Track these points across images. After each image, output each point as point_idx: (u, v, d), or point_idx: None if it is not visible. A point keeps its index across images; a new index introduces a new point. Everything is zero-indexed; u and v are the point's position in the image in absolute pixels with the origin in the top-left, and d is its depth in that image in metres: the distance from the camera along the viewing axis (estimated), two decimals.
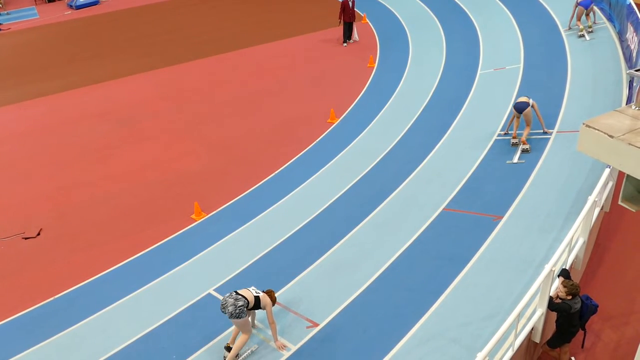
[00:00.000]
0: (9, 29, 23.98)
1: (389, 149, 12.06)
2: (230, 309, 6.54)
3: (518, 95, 13.26)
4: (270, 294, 7.00)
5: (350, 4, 17.61)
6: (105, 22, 23.69)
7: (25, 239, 10.34)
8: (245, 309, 6.61)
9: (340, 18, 17.84)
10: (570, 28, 16.32)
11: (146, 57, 19.22)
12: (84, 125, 14.74)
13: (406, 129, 12.81)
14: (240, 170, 11.97)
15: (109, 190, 11.72)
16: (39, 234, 10.43)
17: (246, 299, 6.70)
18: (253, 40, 19.52)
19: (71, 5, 26.22)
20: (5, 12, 26.34)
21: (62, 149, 13.58)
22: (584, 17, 15.88)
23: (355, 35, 18.20)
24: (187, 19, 22.93)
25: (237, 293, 6.74)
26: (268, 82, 16.31)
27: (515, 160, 10.75)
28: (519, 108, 10.82)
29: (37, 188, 12.02)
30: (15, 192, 11.95)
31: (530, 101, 10.91)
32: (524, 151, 10.94)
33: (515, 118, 11.04)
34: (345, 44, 18.13)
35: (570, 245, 7.28)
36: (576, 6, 15.77)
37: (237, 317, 6.57)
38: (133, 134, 14.02)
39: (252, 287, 7.01)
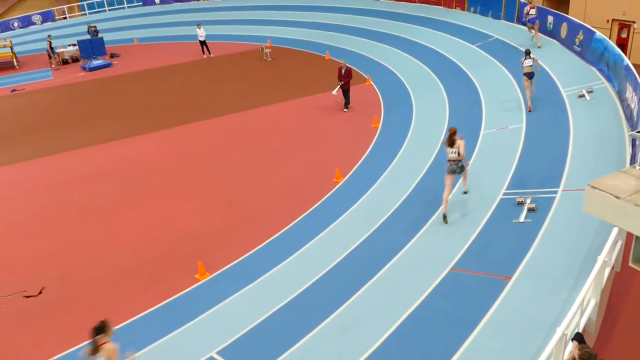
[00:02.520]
0: (24, 89, 24.64)
1: (394, 208, 12.03)
2: None
3: (522, 154, 13.35)
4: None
5: (343, 70, 17.78)
6: (116, 83, 24.33)
7: (27, 297, 10.22)
8: None
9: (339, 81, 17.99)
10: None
11: (153, 117, 19.60)
12: (90, 183, 14.85)
13: (411, 188, 12.83)
14: (245, 229, 11.93)
15: (112, 248, 11.66)
16: (40, 293, 10.31)
17: None
18: (257, 102, 19.91)
19: (85, 68, 27.04)
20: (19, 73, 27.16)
21: (68, 207, 13.62)
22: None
23: (334, 92, 18.17)
24: (195, 81, 23.53)
25: None
26: (273, 141, 16.52)
27: (522, 219, 10.69)
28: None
29: (41, 246, 11.98)
30: (19, 250, 11.90)
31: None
32: (530, 210, 10.89)
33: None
34: (345, 110, 18.25)
35: (582, 307, 7.11)
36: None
37: None
38: (139, 193, 14.09)
39: None
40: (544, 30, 21.47)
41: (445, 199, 11.00)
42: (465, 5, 26.74)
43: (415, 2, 28.80)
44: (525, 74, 15.47)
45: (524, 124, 15.07)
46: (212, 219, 12.47)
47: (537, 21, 20.68)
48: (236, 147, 16.43)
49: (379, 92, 19.81)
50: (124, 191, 14.23)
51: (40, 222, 13.09)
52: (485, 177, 12.68)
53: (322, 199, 12.82)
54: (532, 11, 20.69)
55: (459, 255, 9.87)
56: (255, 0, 35.41)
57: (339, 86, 17.87)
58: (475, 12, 26.09)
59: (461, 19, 24.39)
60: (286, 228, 11.71)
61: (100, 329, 6.56)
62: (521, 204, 11.13)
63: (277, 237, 11.42)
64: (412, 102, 18.31)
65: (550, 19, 21.15)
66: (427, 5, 28.45)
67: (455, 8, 26.61)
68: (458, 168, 10.85)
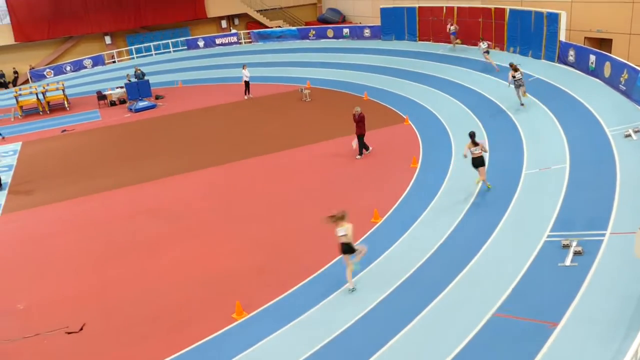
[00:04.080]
0: (74, 129, 25.72)
1: (433, 250, 11.82)
2: None
3: (567, 195, 12.99)
4: None
5: (357, 116, 17.57)
6: (161, 124, 25.13)
7: (68, 333, 10.38)
8: None
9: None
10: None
11: (195, 157, 20.07)
12: (134, 220, 15.20)
13: (451, 229, 12.61)
14: (284, 268, 11.91)
15: (153, 286, 11.81)
16: (81, 329, 10.47)
17: None
18: (296, 141, 20.16)
19: (131, 109, 28.10)
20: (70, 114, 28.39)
21: (112, 244, 13.94)
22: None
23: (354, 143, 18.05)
24: (236, 121, 24.07)
25: None
26: (312, 181, 16.63)
27: (568, 262, 10.30)
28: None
29: (85, 281, 12.26)
30: (63, 285, 12.19)
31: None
32: (576, 253, 10.51)
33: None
34: (359, 157, 18.05)
35: (636, 358, 6.72)
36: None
37: None
38: (180, 231, 14.31)
39: None
40: (585, 69, 21.19)
41: None
42: (505, 45, 26.70)
43: (453, 43, 28.95)
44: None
45: (567, 164, 14.71)
46: (251, 258, 12.52)
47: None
48: (275, 186, 16.59)
49: (417, 132, 19.78)
50: (166, 229, 14.48)
51: (85, 257, 13.41)
52: (528, 219, 12.36)
53: (360, 239, 12.70)
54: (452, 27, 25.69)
55: (502, 300, 9.55)
56: (295, 43, 36.33)
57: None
58: (514, 51, 25.98)
59: (501, 59, 24.34)
60: (324, 268, 11.63)
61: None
62: (567, 246, 10.75)
63: (315, 277, 11.34)
64: (451, 142, 18.18)
65: (592, 58, 20.87)
66: (465, 46, 28.55)
67: (494, 48, 26.60)
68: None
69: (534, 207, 12.87)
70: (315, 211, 14.50)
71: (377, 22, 34.03)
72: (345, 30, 35.57)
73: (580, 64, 21.51)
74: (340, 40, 35.51)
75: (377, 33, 33.57)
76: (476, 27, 27.93)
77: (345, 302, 10.31)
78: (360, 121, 17.63)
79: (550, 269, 10.26)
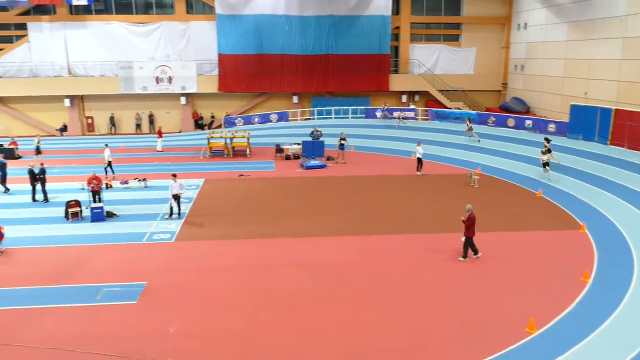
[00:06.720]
0: (249, 175, 27.95)
1: None
2: None
3: None
4: None
5: (467, 216, 16.19)
6: (327, 184, 26.16)
7: None
8: None
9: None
10: None
11: (353, 221, 20.36)
12: (284, 272, 15.72)
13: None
14: (419, 358, 11.26)
15: (290, 341, 11.95)
16: None
17: None
18: (455, 226, 19.44)
19: (302, 165, 29.82)
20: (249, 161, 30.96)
21: (258, 290, 14.51)
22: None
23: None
24: (400, 195, 24.10)
25: None
26: (468, 269, 15.78)
27: None
28: None
29: (230, 320, 12.86)
30: (212, 319, 12.90)
31: None
32: None
33: None
34: (463, 259, 16.61)
35: None
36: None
37: None
38: (325, 292, 14.43)
39: None
40: None
41: None
42: None
43: None
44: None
45: None
46: (388, 336, 12.15)
47: None
48: (429, 267, 16.05)
49: (593, 243, 17.89)
50: (312, 287, 14.72)
51: (235, 297, 14.11)
52: None
53: (509, 348, 11.62)
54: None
55: None
56: (474, 127, 35.83)
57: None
58: None
59: None
60: None
61: None
62: None
63: None
64: (634, 261, 16.08)
65: None
66: None
67: None
68: None
69: None
70: (465, 302, 13.67)
71: (565, 118, 32.25)
72: (528, 122, 34.23)
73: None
74: (520, 131, 34.24)
75: (563, 130, 31.73)
76: None
77: None
78: (467, 221, 16.26)
79: None
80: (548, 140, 26.10)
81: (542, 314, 13.04)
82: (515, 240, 18.29)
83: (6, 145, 33.19)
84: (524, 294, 14.30)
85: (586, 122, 30.19)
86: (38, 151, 31.38)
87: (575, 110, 30.99)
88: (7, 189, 24.44)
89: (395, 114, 38.73)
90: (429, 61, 42.62)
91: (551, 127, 32.62)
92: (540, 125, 33.41)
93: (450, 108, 40.50)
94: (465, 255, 16.56)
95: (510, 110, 38.40)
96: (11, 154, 31.50)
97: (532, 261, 16.50)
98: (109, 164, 27.16)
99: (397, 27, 41.98)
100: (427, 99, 42.62)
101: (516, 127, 34.69)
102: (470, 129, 33.18)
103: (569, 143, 30.08)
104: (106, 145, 28.15)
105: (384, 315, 13.19)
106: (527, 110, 38.27)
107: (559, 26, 34.94)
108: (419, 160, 27.71)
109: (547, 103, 36.80)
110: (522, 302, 13.80)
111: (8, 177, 24.70)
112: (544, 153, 25.37)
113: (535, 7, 37.85)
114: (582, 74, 32.73)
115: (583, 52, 32.59)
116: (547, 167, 25.18)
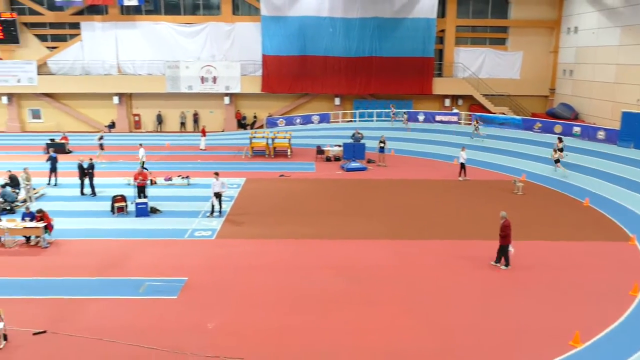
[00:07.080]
0: (290, 176, 28.11)
1: None
2: None
3: None
4: None
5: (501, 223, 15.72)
6: (367, 187, 26.05)
7: None
8: None
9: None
10: None
11: (393, 225, 20.20)
12: (320, 273, 15.71)
13: None
14: None
15: (323, 343, 11.93)
16: None
17: None
18: (494, 234, 19.04)
19: (343, 167, 29.79)
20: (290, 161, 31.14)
21: (295, 290, 14.56)
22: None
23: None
24: (441, 199, 23.78)
25: None
26: (507, 278, 15.42)
27: None
28: None
29: (267, 319, 12.94)
30: (249, 317, 13.02)
31: None
32: None
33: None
34: (494, 264, 16.19)
35: None
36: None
37: None
38: (361, 295, 14.36)
39: None
40: None
41: None
42: None
43: None
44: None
45: None
46: (424, 341, 12.02)
47: None
48: (469, 274, 15.77)
49: None
50: (348, 289, 14.68)
51: (273, 296, 14.20)
52: None
53: None
54: None
55: None
56: (517, 133, 35.06)
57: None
58: None
59: None
60: None
61: None
62: None
63: None
64: None
65: None
66: None
67: None
68: None
69: None
70: (503, 311, 13.36)
71: (616, 125, 31.12)
72: (576, 129, 33.20)
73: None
74: (568, 137, 33.25)
75: (613, 137, 30.62)
76: None
77: None
78: (501, 229, 15.92)
79: None
80: (560, 140, 27.48)
81: (588, 327, 12.61)
82: (561, 250, 17.76)
83: (58, 140, 34.42)
84: (568, 306, 13.86)
85: (638, 130, 29.06)
86: (101, 147, 32.14)
87: (627, 117, 29.86)
88: (55, 183, 25.36)
89: (405, 116, 38.46)
90: (473, 65, 41.92)
91: (600, 135, 31.55)
92: (589, 133, 32.36)
93: (494, 113, 39.68)
94: (497, 261, 16.31)
95: (557, 117, 37.34)
96: (62, 149, 32.65)
97: (578, 272, 15.99)
98: (142, 164, 27.10)
99: (442, 30, 41.44)
100: (471, 103, 41.90)
101: (563, 133, 33.67)
102: (477, 129, 33.74)
103: (620, 151, 29.00)
104: (140, 144, 28.74)
105: (419, 319, 13.03)
106: (576, 117, 37.14)
107: (611, 30, 33.77)
108: (462, 166, 27.28)
109: (596, 109, 35.61)
110: (566, 314, 13.38)
111: (58, 171, 25.63)
112: (555, 151, 26.82)
113: (586, 11, 36.70)
114: (635, 80, 31.55)
115: (636, 57, 31.40)
116: (558, 163, 26.58)
